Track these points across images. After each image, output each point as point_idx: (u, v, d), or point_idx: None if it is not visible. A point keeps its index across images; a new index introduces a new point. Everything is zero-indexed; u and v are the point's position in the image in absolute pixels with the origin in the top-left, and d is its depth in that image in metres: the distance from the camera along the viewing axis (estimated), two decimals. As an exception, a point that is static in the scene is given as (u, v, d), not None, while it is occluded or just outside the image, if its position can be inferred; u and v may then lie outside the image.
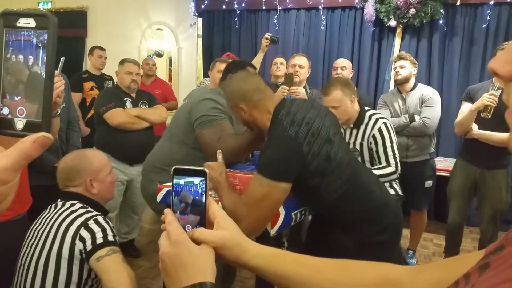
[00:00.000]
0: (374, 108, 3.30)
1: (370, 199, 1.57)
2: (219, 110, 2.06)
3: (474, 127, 2.68)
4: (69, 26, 5.94)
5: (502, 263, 0.37)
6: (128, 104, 2.99)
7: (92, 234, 1.41)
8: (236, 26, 5.01)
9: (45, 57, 0.43)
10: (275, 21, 4.79)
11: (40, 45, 0.43)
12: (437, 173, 3.35)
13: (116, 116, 2.87)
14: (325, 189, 1.48)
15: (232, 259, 0.68)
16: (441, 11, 3.96)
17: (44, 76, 0.43)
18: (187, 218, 0.67)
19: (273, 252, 0.71)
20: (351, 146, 2.38)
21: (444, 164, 3.70)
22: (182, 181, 0.67)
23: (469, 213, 3.30)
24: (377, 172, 2.20)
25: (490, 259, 0.39)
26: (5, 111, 0.43)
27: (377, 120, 2.31)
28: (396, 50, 4.20)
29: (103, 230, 1.43)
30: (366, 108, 2.39)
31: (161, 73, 7.31)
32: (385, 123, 2.30)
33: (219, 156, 1.68)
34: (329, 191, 1.49)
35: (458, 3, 3.96)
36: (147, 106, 3.10)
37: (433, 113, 2.99)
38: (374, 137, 2.29)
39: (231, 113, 1.74)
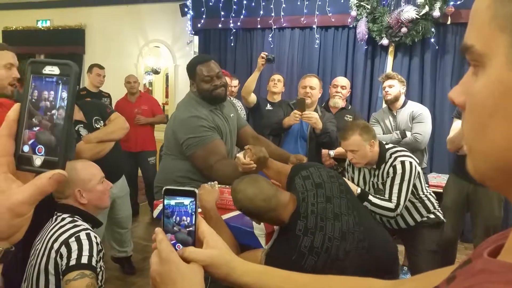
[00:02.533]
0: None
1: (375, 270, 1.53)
2: (205, 128, 1.99)
3: (465, 143, 2.72)
4: (67, 43, 6.02)
5: (466, 274, 0.39)
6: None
7: (69, 253, 1.40)
8: (232, 44, 5.09)
9: (65, 101, 0.47)
10: (270, 39, 4.87)
11: (61, 90, 0.47)
12: (431, 189, 3.36)
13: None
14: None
15: (221, 277, 0.70)
16: (432, 30, 4.05)
17: (63, 119, 0.47)
18: (177, 237, 0.70)
19: (261, 269, 0.74)
20: (375, 186, 2.35)
21: (438, 180, 3.72)
22: (172, 202, 0.70)
23: (463, 228, 3.31)
24: (373, 200, 2.17)
25: (457, 271, 0.41)
26: (26, 148, 0.47)
27: (396, 158, 2.26)
28: (388, 68, 4.28)
29: (79, 250, 1.41)
30: (387, 146, 2.34)
31: (158, 90, 7.37)
32: (402, 162, 2.23)
33: (216, 187, 1.67)
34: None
35: (448, 22, 4.06)
36: (102, 122, 2.64)
37: (424, 129, 3.04)
38: (388, 173, 2.26)
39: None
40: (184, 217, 0.70)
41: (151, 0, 5.74)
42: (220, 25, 5.02)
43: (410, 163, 2.24)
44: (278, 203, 1.48)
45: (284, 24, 4.77)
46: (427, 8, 3.94)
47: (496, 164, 0.36)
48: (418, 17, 3.97)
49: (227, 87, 2.25)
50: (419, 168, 2.30)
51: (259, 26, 4.88)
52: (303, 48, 4.81)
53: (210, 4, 4.94)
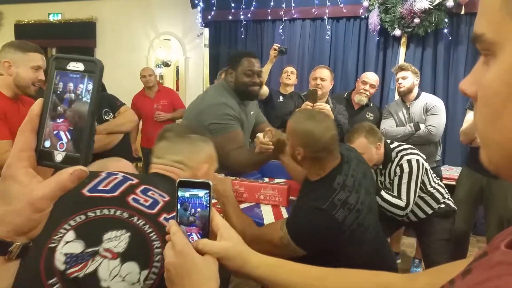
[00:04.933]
0: (380, 117, 3.32)
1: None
2: (230, 116, 2.00)
3: (479, 135, 2.69)
4: (78, 37, 6.05)
5: (483, 266, 0.39)
6: None
7: None
8: (242, 36, 5.07)
9: (89, 98, 0.47)
10: (281, 31, 4.84)
11: (85, 87, 0.47)
12: (444, 182, 3.34)
13: None
14: (335, 259, 1.39)
15: (235, 269, 0.70)
16: (446, 20, 3.98)
17: (87, 115, 0.47)
18: (191, 229, 0.70)
19: (275, 262, 0.74)
20: (383, 185, 2.35)
21: (450, 172, 3.69)
22: (187, 193, 0.70)
23: (475, 221, 3.28)
24: (385, 196, 2.17)
25: (473, 264, 0.41)
26: (47, 144, 0.47)
27: (402, 157, 2.26)
28: (401, 59, 4.23)
29: None
30: (392, 145, 2.33)
31: (169, 83, 7.39)
32: (409, 160, 2.22)
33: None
34: (340, 260, 1.41)
35: (462, 12, 3.99)
36: (111, 114, 2.77)
37: (438, 121, 3.00)
38: (395, 172, 2.27)
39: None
40: (198, 209, 0.70)
41: (161, -7, 5.74)
42: (230, 17, 5.00)
43: (417, 161, 2.23)
44: (336, 149, 1.46)
45: (295, 16, 4.73)
46: (440, -2, 3.88)
47: (509, 154, 0.36)
48: (431, 7, 3.91)
49: (261, 88, 2.26)
50: (426, 165, 2.29)
51: (269, 18, 4.85)
52: (314, 39, 4.77)
53: (220, -5, 4.93)
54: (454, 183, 3.19)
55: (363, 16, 4.39)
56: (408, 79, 3.08)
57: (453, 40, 4.11)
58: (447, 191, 2.50)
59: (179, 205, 0.70)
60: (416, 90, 3.13)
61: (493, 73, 0.36)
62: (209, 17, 5.11)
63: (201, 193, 0.70)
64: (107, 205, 0.91)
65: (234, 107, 2.04)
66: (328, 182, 1.39)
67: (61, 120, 0.47)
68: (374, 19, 4.19)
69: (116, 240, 0.85)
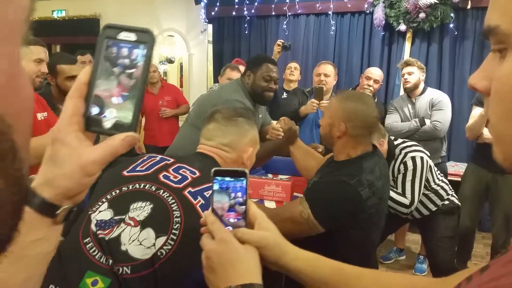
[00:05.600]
0: (385, 113, 3.30)
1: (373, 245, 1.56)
2: None
3: (485, 131, 2.66)
4: (83, 33, 6.05)
5: (500, 263, 0.38)
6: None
7: None
8: (246, 32, 5.05)
9: (141, 68, 0.47)
10: (285, 26, 4.82)
11: (137, 56, 0.47)
12: (449, 178, 3.31)
13: None
14: (342, 242, 1.39)
15: (272, 260, 0.69)
16: (451, 15, 3.94)
17: (139, 84, 0.47)
18: (228, 219, 0.68)
19: (311, 256, 0.72)
20: None
21: (456, 168, 3.66)
22: (222, 183, 0.68)
23: (481, 218, 3.26)
24: (391, 194, 2.14)
25: (491, 262, 0.41)
26: (95, 110, 0.47)
27: (406, 154, 2.24)
28: (406, 55, 4.19)
29: None
30: (396, 142, 2.32)
31: (173, 79, 7.39)
32: (413, 157, 2.21)
33: None
34: (346, 245, 1.40)
35: (468, 6, 3.95)
36: None
37: (444, 116, 2.98)
38: (399, 170, 2.25)
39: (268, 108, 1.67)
40: (234, 199, 0.68)
41: (164, -11, 5.72)
42: (234, 13, 4.98)
43: (421, 158, 2.22)
44: (374, 133, 1.51)
45: (299, 11, 4.71)
46: (446, -7, 3.84)
47: None
48: (437, 1, 3.86)
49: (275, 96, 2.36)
50: (430, 162, 2.28)
51: (273, 13, 4.83)
52: (319, 35, 4.74)
53: (224, -9, 4.91)
54: (459, 179, 3.16)
55: (368, 11, 4.35)
56: (414, 74, 3.05)
57: (459, 35, 4.07)
58: (451, 188, 2.48)
59: (214, 195, 0.68)
60: (422, 85, 3.11)
61: (509, 66, 0.34)
62: (213, 13, 5.09)
63: (237, 181, 0.68)
64: (140, 181, 1.02)
65: (248, 105, 2.10)
66: (358, 163, 1.40)
67: (111, 87, 0.47)
68: (379, 14, 4.16)
69: (140, 209, 0.95)
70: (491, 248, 2.91)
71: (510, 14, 0.34)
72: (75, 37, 6.10)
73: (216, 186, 0.68)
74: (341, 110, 1.47)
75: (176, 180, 1.02)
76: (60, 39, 6.18)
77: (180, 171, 1.05)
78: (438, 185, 2.38)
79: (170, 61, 6.88)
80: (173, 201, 0.96)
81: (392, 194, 2.16)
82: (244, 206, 0.68)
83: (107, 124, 0.47)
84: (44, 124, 1.68)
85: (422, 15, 3.94)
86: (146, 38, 0.47)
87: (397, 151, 2.27)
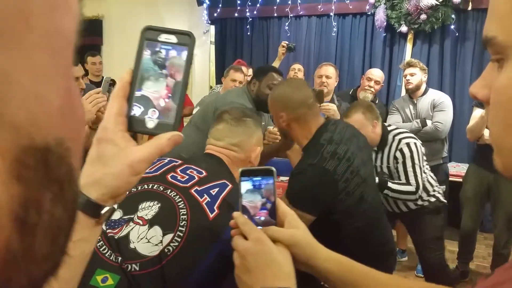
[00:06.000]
0: (387, 114, 3.31)
1: (383, 244, 1.52)
2: None
3: (486, 132, 2.68)
4: (86, 34, 6.07)
5: (502, 269, 0.39)
6: None
7: None
8: (248, 33, 5.08)
9: (182, 69, 0.48)
10: (287, 28, 4.84)
11: (178, 58, 0.48)
12: (450, 179, 3.33)
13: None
14: (345, 227, 1.41)
15: (303, 259, 0.67)
16: (452, 16, 3.96)
17: (181, 85, 0.48)
18: (257, 218, 0.67)
19: (343, 260, 0.71)
20: (379, 170, 2.34)
21: (457, 169, 3.68)
22: (250, 182, 0.68)
23: (482, 218, 3.27)
24: (394, 186, 2.17)
25: (495, 269, 0.41)
26: (137, 111, 0.48)
27: (400, 140, 2.26)
28: (407, 56, 4.21)
29: None
30: (390, 128, 2.34)
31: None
32: (408, 143, 2.23)
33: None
34: (349, 229, 1.41)
35: (469, 8, 3.96)
36: None
37: (445, 118, 2.99)
38: (396, 157, 2.26)
39: (271, 116, 1.72)
40: (263, 198, 0.67)
41: (167, -10, 5.75)
42: (236, 14, 5.00)
43: (415, 144, 2.25)
44: (314, 105, 1.49)
45: (301, 12, 4.72)
46: (447, -6, 3.85)
47: None
48: (438, 3, 3.88)
49: None
50: (422, 149, 2.30)
51: (275, 15, 4.85)
52: (320, 36, 4.76)
53: (227, -8, 4.93)
54: (461, 180, 3.18)
55: (369, 13, 4.37)
56: (416, 75, 3.06)
57: (460, 36, 4.09)
58: (437, 183, 2.49)
59: (242, 195, 0.67)
60: (423, 86, 3.12)
61: (506, 76, 0.35)
62: (215, 14, 5.11)
63: (264, 180, 0.67)
64: (148, 182, 1.04)
65: (251, 110, 2.13)
66: (315, 140, 1.41)
67: (153, 88, 0.48)
68: (380, 15, 4.17)
69: (148, 209, 0.98)
70: (493, 249, 2.92)
71: (507, 26, 0.35)
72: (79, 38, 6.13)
73: (244, 186, 0.67)
74: (273, 103, 1.52)
75: (183, 180, 1.05)
76: (63, 40, 6.20)
77: (188, 172, 1.08)
78: (426, 178, 2.39)
79: (172, 62, 6.89)
80: (180, 199, 0.99)
81: (396, 187, 2.17)
82: (273, 205, 0.67)
83: (150, 124, 0.48)
84: None
85: (423, 16, 3.95)
86: (186, 40, 0.48)
87: (390, 137, 2.28)
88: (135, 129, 0.48)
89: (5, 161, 0.18)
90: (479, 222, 3.03)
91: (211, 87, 5.20)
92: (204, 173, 1.08)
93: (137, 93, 0.48)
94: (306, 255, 0.67)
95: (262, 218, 0.67)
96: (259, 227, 0.66)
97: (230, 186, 1.06)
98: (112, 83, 4.49)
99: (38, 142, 0.19)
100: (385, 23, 4.20)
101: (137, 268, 0.90)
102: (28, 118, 0.19)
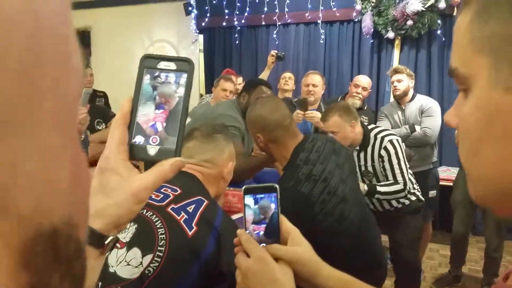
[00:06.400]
0: (376, 120, 3.32)
1: (370, 258, 1.51)
2: (234, 127, 2.16)
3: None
4: (73, 47, 6.06)
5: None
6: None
7: None
8: (237, 42, 5.08)
9: (182, 95, 0.48)
10: (275, 36, 4.85)
11: (177, 84, 0.48)
12: (441, 183, 3.34)
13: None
14: (331, 246, 1.38)
15: (307, 276, 0.67)
16: (439, 21, 4.00)
17: (181, 111, 0.48)
18: (260, 236, 0.68)
19: (345, 278, 0.71)
20: (364, 169, 2.35)
21: (448, 173, 3.69)
22: (252, 200, 0.68)
23: (474, 222, 3.28)
24: (382, 189, 2.18)
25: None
26: (138, 139, 0.48)
27: (383, 138, 2.27)
28: (395, 62, 4.24)
29: None
30: (370, 127, 2.36)
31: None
32: (391, 141, 2.26)
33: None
34: (335, 247, 1.39)
35: (455, 13, 4.00)
36: (104, 124, 2.85)
37: (433, 123, 3.01)
38: (381, 156, 2.27)
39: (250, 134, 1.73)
40: (266, 216, 0.68)
41: (154, 0, 5.75)
42: (224, 23, 5.01)
43: (397, 140, 2.29)
44: (291, 125, 1.48)
45: (289, 20, 4.74)
46: (432, 0, 3.89)
47: (493, 188, 0.36)
48: (424, 9, 3.92)
49: None
50: (403, 145, 2.33)
51: (263, 23, 4.86)
52: (309, 44, 4.78)
53: (214, 2, 4.93)
54: (451, 184, 3.19)
55: (356, 20, 4.40)
56: (403, 82, 3.08)
57: (447, 41, 4.13)
58: (417, 183, 2.50)
59: (246, 212, 0.68)
60: (411, 92, 3.14)
61: (469, 107, 0.36)
62: (203, 24, 5.12)
63: (268, 198, 0.68)
64: None
65: (240, 122, 2.20)
66: (292, 161, 1.41)
67: (153, 116, 0.48)
68: (367, 22, 4.20)
69: (125, 231, 0.97)
70: (485, 253, 2.93)
71: (465, 58, 0.35)
72: (66, 50, 6.10)
73: (247, 203, 0.68)
74: (250, 124, 1.54)
75: (158, 199, 1.05)
76: (51, 52, 6.18)
77: (162, 190, 1.08)
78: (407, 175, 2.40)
79: (162, 72, 6.89)
80: (157, 218, 0.99)
81: (385, 189, 2.19)
82: (276, 222, 0.68)
83: (152, 151, 0.48)
84: None
85: (409, 22, 3.99)
86: (185, 66, 0.49)
87: (371, 136, 2.30)
88: (137, 157, 0.48)
89: (13, 252, 0.17)
90: (470, 226, 3.04)
91: (201, 95, 5.19)
92: (179, 191, 1.08)
93: (138, 121, 0.48)
94: (308, 273, 0.67)
95: (265, 235, 0.68)
96: (262, 244, 0.67)
97: (206, 202, 1.07)
98: (103, 95, 4.52)
99: (45, 227, 0.19)
100: (372, 30, 4.23)
101: None
102: (35, 207, 0.18)
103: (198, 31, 5.33)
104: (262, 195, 0.68)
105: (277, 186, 0.68)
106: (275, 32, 4.85)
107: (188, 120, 2.35)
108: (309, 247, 0.70)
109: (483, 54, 0.33)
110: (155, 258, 0.92)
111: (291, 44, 4.83)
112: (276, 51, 3.34)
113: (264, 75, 3.51)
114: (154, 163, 0.48)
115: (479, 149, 0.36)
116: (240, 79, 4.19)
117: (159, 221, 0.98)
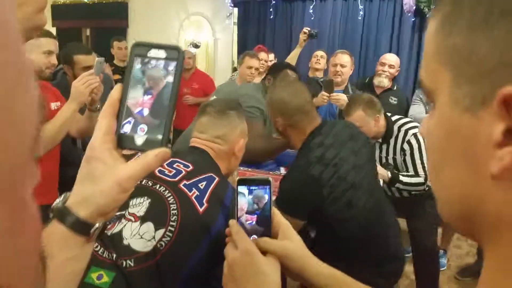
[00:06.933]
0: (408, 103, 3.20)
1: (383, 249, 1.48)
2: (256, 108, 2.16)
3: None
4: (112, 17, 6.15)
5: None
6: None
7: None
8: (271, 16, 4.99)
9: (171, 84, 0.48)
10: (311, 11, 4.72)
11: (166, 73, 0.48)
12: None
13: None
14: (339, 231, 1.39)
15: (295, 271, 0.68)
16: None
17: (168, 99, 0.48)
18: (252, 228, 0.69)
19: (334, 273, 0.71)
20: (384, 161, 2.30)
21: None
22: (246, 191, 0.69)
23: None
24: (404, 179, 2.14)
25: None
26: (126, 128, 0.48)
27: (406, 131, 2.20)
28: (437, 42, 4.04)
29: None
30: (394, 118, 2.28)
31: (201, 64, 7.43)
32: (415, 134, 2.18)
33: (234, 173, 1.62)
34: (344, 233, 1.39)
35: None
36: None
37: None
38: (403, 149, 2.21)
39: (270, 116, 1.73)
40: (259, 208, 0.69)
41: (191, -28, 5.70)
42: (259, -3, 4.92)
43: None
44: (311, 110, 1.48)
45: (327, -5, 4.60)
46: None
47: (453, 211, 0.34)
48: (472, -14, 3.68)
49: None
50: None
51: (300, -3, 4.74)
52: (346, 20, 4.63)
53: (250, -26, 4.84)
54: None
55: (398, -4, 4.20)
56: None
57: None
58: None
59: (239, 203, 0.69)
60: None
61: (433, 122, 0.34)
62: (239, -3, 5.05)
63: (261, 190, 0.69)
64: None
65: (264, 104, 2.16)
66: (306, 144, 1.41)
67: (142, 105, 0.48)
68: (409, -1, 4.00)
69: (139, 206, 1.00)
70: None
71: (430, 70, 0.33)
72: (104, 21, 6.20)
73: (240, 195, 0.69)
74: (270, 107, 1.52)
75: (171, 174, 1.07)
76: (90, 22, 6.30)
77: (174, 165, 1.10)
78: None
79: (196, 46, 6.89)
80: (169, 194, 1.01)
81: (407, 180, 2.15)
82: (268, 215, 0.69)
83: (139, 141, 0.48)
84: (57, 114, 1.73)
85: (455, 0, 3.76)
86: (175, 54, 0.48)
87: (395, 128, 2.23)
88: (124, 146, 0.48)
89: None
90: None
91: (235, 68, 5.16)
92: (191, 167, 1.10)
93: (126, 110, 0.48)
94: (297, 267, 0.67)
95: (257, 227, 0.69)
96: (253, 236, 0.68)
97: (217, 179, 1.08)
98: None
99: None
100: (414, 7, 4.02)
101: (132, 264, 0.92)
102: None
103: (233, 5, 5.26)
104: (256, 187, 0.69)
105: (270, 179, 0.69)
106: (311, 7, 4.72)
107: (213, 97, 2.36)
108: (299, 241, 0.69)
109: (446, 68, 0.31)
110: (167, 233, 0.95)
111: (327, 20, 4.68)
112: (308, 28, 3.24)
113: (295, 53, 3.42)
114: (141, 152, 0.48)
115: (441, 168, 0.34)
116: (272, 56, 4.12)
117: (172, 197, 1.01)
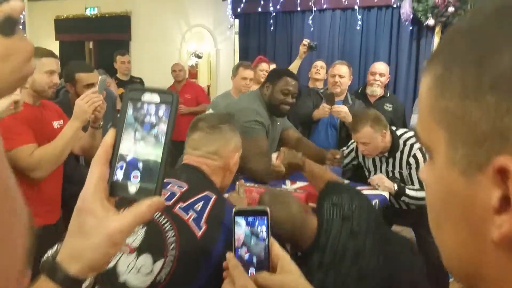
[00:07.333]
0: (405, 109, 3.23)
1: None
2: (257, 122, 2.09)
3: None
4: (114, 31, 6.23)
5: None
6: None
7: None
8: (272, 28, 5.06)
9: (165, 129, 0.46)
10: (310, 22, 4.78)
11: (160, 117, 0.47)
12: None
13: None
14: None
15: None
16: (483, 8, 3.79)
17: (162, 146, 0.46)
18: (249, 260, 0.67)
19: None
20: (390, 175, 2.31)
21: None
22: (243, 222, 0.67)
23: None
24: (411, 193, 2.15)
25: None
26: (120, 175, 0.46)
27: (412, 146, 2.21)
28: (435, 50, 4.08)
29: None
30: (399, 132, 2.30)
31: (203, 75, 7.48)
32: (420, 149, 2.18)
33: (241, 190, 1.58)
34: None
35: (502, -1, 3.78)
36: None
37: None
38: (409, 163, 2.23)
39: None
40: (256, 240, 0.67)
41: (192, -15, 5.80)
42: (259, 9, 4.99)
43: None
44: (305, 218, 1.38)
45: (325, 6, 4.66)
46: (477, -15, 3.70)
47: (456, 269, 0.34)
48: (468, -5, 3.73)
49: (292, 109, 2.35)
50: None
51: (299, 9, 4.80)
52: (345, 30, 4.69)
53: (250, -13, 4.92)
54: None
55: (395, 5, 4.26)
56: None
57: (492, 29, 3.92)
58: None
59: (236, 234, 0.67)
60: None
61: (432, 176, 0.33)
62: (239, 9, 5.12)
63: (259, 221, 0.67)
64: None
65: (263, 115, 2.13)
66: (309, 251, 1.34)
67: (135, 151, 0.46)
68: (406, 8, 4.05)
69: (134, 235, 0.92)
70: None
71: (425, 128, 0.33)
72: (107, 34, 6.28)
73: (237, 226, 0.67)
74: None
75: (165, 197, 1.01)
76: (92, 35, 6.38)
77: (168, 187, 1.05)
78: None
79: (198, 57, 6.96)
80: (165, 220, 0.96)
81: (413, 194, 2.15)
82: (267, 246, 0.67)
83: (132, 189, 0.46)
84: (60, 132, 1.73)
85: (451, 9, 3.81)
86: (169, 98, 0.47)
87: (400, 142, 2.24)
88: (117, 194, 0.46)
89: None
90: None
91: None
92: (186, 186, 1.06)
93: (120, 156, 0.46)
94: None
95: (255, 259, 0.67)
96: (251, 269, 0.67)
97: (214, 197, 1.04)
98: (139, 81, 4.60)
99: None
100: (411, 16, 4.08)
101: None
102: None
103: (234, 16, 5.34)
104: (253, 218, 0.67)
105: (268, 209, 0.67)
106: (310, 17, 4.78)
107: (209, 111, 2.33)
108: (298, 274, 0.68)
109: (441, 127, 0.31)
110: (167, 263, 0.90)
111: (327, 30, 4.75)
112: (308, 40, 3.27)
113: (295, 65, 3.46)
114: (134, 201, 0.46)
115: (442, 224, 0.34)
116: (273, 66, 4.17)
117: (168, 223, 0.95)
